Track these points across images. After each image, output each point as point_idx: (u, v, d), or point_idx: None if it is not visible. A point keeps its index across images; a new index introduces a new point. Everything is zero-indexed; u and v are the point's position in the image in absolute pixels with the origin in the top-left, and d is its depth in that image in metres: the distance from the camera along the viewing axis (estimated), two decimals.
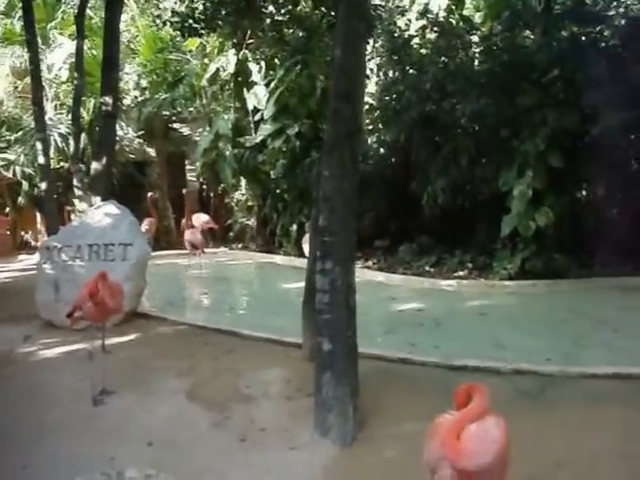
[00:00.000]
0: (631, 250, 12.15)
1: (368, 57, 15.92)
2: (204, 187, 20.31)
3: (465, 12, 16.88)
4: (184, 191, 15.43)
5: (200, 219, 15.86)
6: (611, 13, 13.84)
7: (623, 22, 13.44)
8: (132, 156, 19.08)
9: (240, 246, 17.40)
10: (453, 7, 16.66)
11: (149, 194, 15.27)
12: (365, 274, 12.56)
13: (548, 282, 11.28)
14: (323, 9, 12.98)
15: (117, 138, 16.36)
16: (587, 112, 11.45)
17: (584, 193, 14.17)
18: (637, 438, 4.77)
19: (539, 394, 5.65)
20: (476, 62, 14.54)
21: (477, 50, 14.57)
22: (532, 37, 13.63)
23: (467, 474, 2.78)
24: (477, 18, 16.19)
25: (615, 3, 14.05)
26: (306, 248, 11.51)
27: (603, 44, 12.82)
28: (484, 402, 2.93)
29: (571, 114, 11.46)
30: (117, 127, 15.37)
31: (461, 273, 12.37)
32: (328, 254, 4.89)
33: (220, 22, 12.94)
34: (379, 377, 5.99)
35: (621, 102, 10.95)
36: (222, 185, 17.73)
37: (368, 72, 16.20)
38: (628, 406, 5.33)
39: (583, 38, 12.78)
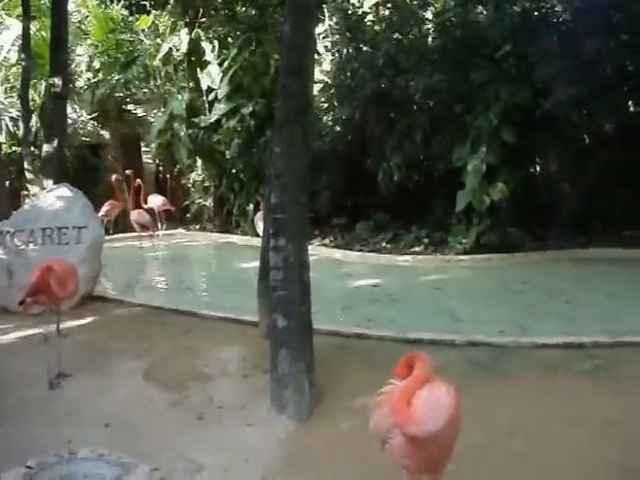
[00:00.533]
0: (583, 223, 12.40)
1: (323, 35, 15.89)
2: (160, 168, 20.11)
3: None
4: (127, 172, 15.20)
5: (155, 201, 15.73)
6: None
7: None
8: (86, 139, 18.78)
9: (197, 227, 17.28)
10: None
11: (113, 176, 14.96)
12: (322, 252, 12.60)
13: (503, 256, 11.42)
14: None
15: (70, 121, 16.12)
16: (539, 87, 11.56)
17: (537, 167, 14.33)
18: (585, 404, 4.92)
19: (493, 365, 5.76)
20: (430, 38, 14.57)
21: (430, 26, 14.61)
22: (485, 13, 13.67)
23: (417, 441, 2.81)
24: None
25: None
26: (259, 226, 11.49)
27: (555, 19, 12.93)
28: (426, 368, 2.94)
29: (524, 89, 11.56)
30: (70, 109, 15.11)
31: (417, 249, 12.45)
32: (280, 231, 4.91)
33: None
34: (335, 352, 6.04)
35: (572, 77, 11.07)
36: (178, 166, 17.55)
37: (322, 50, 16.17)
38: (578, 374, 5.48)
39: (535, 13, 12.86)
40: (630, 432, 4.43)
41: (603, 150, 13.06)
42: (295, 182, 4.92)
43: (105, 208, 14.76)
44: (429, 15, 14.80)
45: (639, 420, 4.63)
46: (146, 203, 15.25)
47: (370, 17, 15.73)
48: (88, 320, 7.81)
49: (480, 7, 13.86)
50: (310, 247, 12.28)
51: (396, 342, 6.38)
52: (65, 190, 9.20)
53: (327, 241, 13.75)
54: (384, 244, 12.93)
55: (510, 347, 6.16)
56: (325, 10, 14.93)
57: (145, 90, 18.86)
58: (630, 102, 13.37)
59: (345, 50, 15.54)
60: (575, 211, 12.65)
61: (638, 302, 8.60)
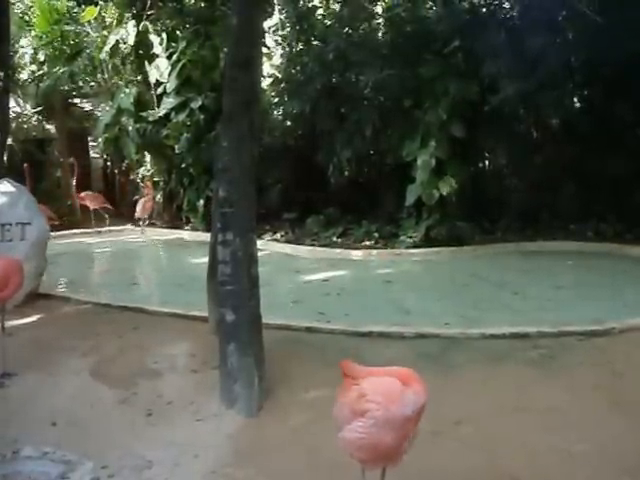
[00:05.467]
0: (531, 216, 12.62)
1: (273, 29, 15.82)
2: (108, 164, 19.81)
3: None
4: (71, 160, 15.03)
5: (92, 198, 15.58)
6: None
7: None
8: (32, 133, 18.38)
9: (147, 223, 17.09)
10: None
11: (25, 165, 14.54)
12: (273, 246, 12.59)
13: (452, 249, 11.59)
14: None
15: (14, 114, 15.74)
16: (487, 82, 11.71)
17: (486, 162, 14.54)
18: (531, 393, 5.01)
19: (441, 356, 5.82)
20: (380, 33, 14.63)
21: (380, 21, 14.67)
22: (434, 8, 13.76)
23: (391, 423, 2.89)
24: None
25: None
26: None
27: (502, 16, 13.11)
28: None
29: (472, 84, 11.72)
30: (13, 103, 14.73)
31: (368, 243, 12.51)
32: (228, 225, 4.87)
33: None
34: (286, 346, 6.03)
35: (519, 73, 11.26)
36: (126, 161, 17.30)
37: (272, 44, 16.11)
38: (524, 364, 5.60)
39: (483, 10, 13.02)
40: (573, 418, 4.55)
41: (550, 145, 13.34)
42: (243, 176, 4.89)
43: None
44: (379, 10, 14.85)
45: (582, 407, 4.75)
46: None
47: (320, 11, 15.72)
48: (33, 318, 7.64)
49: (429, 3, 13.96)
50: (260, 242, 12.25)
51: (346, 335, 6.42)
52: (8, 186, 8.95)
53: (278, 236, 13.70)
54: (335, 238, 12.95)
55: (458, 338, 6.25)
56: (275, 3, 14.89)
57: (92, 83, 18.48)
58: (575, 98, 13.65)
59: (295, 44, 15.51)
60: (523, 204, 12.88)
61: (583, 293, 8.86)
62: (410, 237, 11.94)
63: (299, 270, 10.98)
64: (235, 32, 5.05)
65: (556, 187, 12.89)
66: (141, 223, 15.56)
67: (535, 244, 11.91)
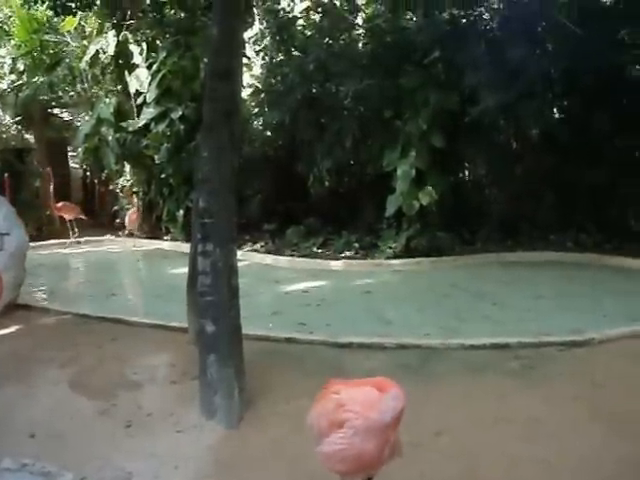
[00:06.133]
0: (511, 226, 12.70)
1: (253, 39, 15.82)
2: (88, 174, 19.72)
3: None
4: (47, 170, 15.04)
5: (68, 209, 15.52)
6: None
7: (501, 6, 13.85)
8: (11, 143, 18.26)
9: (127, 233, 17.00)
10: None
11: (4, 175, 14.42)
12: (253, 257, 12.57)
13: (432, 259, 11.63)
14: None
15: None
16: (467, 93, 11.78)
17: (466, 172, 14.60)
18: (511, 404, 5.01)
19: (422, 367, 5.81)
20: (360, 44, 14.68)
21: (361, 32, 14.72)
22: (414, 19, 13.84)
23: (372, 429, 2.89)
24: None
25: None
26: None
27: (482, 27, 13.20)
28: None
29: (452, 95, 11.80)
30: None
31: (348, 253, 12.51)
32: (208, 236, 4.85)
33: (96, 0, 12.44)
34: (266, 357, 6.01)
35: (499, 84, 11.34)
36: (106, 171, 17.20)
37: (253, 54, 16.10)
38: (504, 374, 5.60)
39: (463, 21, 13.10)
40: (553, 429, 4.55)
41: (530, 155, 13.43)
42: (223, 186, 4.87)
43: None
44: (359, 21, 14.91)
45: (561, 417, 4.76)
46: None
47: (301, 22, 15.75)
48: (12, 329, 7.58)
49: (410, 13, 14.02)
50: (240, 252, 12.27)
51: (327, 346, 6.41)
52: None
53: (258, 246, 13.65)
54: (315, 249, 12.96)
55: (439, 349, 6.25)
56: (256, 13, 14.91)
57: (72, 93, 18.40)
58: (555, 109, 13.76)
59: (275, 54, 15.52)
60: (503, 215, 12.94)
61: (563, 303, 8.90)
62: (390, 248, 11.96)
63: (279, 281, 10.97)
64: (215, 43, 5.05)
65: (536, 197, 12.99)
66: (132, 233, 15.54)
67: (515, 254, 11.98)
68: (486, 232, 12.83)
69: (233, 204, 5.05)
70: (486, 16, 13.39)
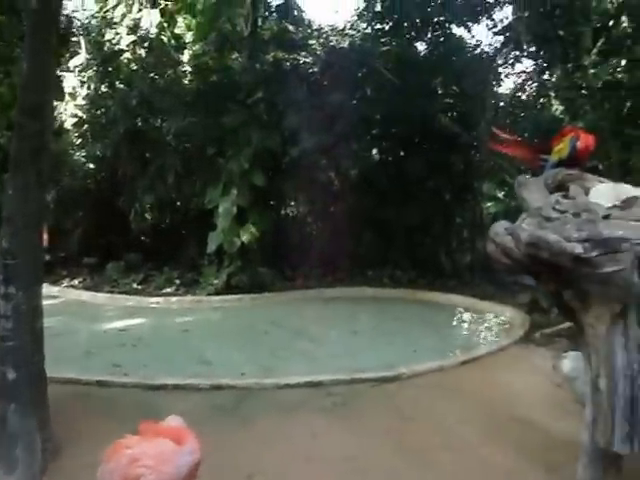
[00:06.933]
0: (331, 263, 13.04)
1: (79, 68, 15.34)
2: None
3: (177, 30, 16.83)
4: None
5: None
6: (312, 42, 14.71)
7: (323, 51, 14.34)
8: None
9: None
10: (165, 24, 16.53)
11: None
12: (69, 293, 12.04)
13: (253, 296, 11.68)
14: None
15: None
16: (289, 133, 12.06)
17: (289, 210, 14.88)
18: (323, 442, 5.12)
19: (236, 408, 5.81)
20: (186, 80, 14.63)
21: (187, 68, 14.69)
22: (240, 59, 14.01)
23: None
24: (189, 37, 16.24)
25: (316, 33, 14.97)
26: None
27: (304, 71, 13.58)
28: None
29: (274, 135, 12.05)
30: None
31: (169, 290, 12.34)
32: (11, 278, 4.59)
33: None
34: (75, 402, 5.77)
35: (319, 126, 11.72)
36: None
37: (77, 84, 15.59)
38: (317, 412, 5.71)
39: (287, 63, 13.42)
40: (363, 465, 4.69)
41: (350, 194, 13.90)
42: (27, 226, 4.65)
43: None
44: (186, 57, 14.87)
45: (372, 453, 4.91)
46: None
47: (127, 55, 15.47)
48: None
49: (235, 53, 14.19)
50: (57, 289, 11.76)
51: (140, 389, 6.24)
52: None
53: (76, 282, 13.11)
54: (135, 285, 12.64)
55: (254, 389, 6.28)
56: (82, 43, 14.50)
57: None
58: (374, 151, 14.39)
59: (99, 86, 15.13)
60: (324, 251, 13.28)
61: (378, 339, 9.21)
62: (211, 284, 11.93)
63: (95, 319, 10.55)
64: (25, 78, 4.85)
65: (355, 235, 13.47)
66: None
67: (335, 290, 12.30)
68: (307, 268, 13.10)
69: (38, 245, 4.82)
70: (309, 60, 13.79)
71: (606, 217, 3.48)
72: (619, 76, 9.75)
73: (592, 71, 9.80)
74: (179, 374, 6.76)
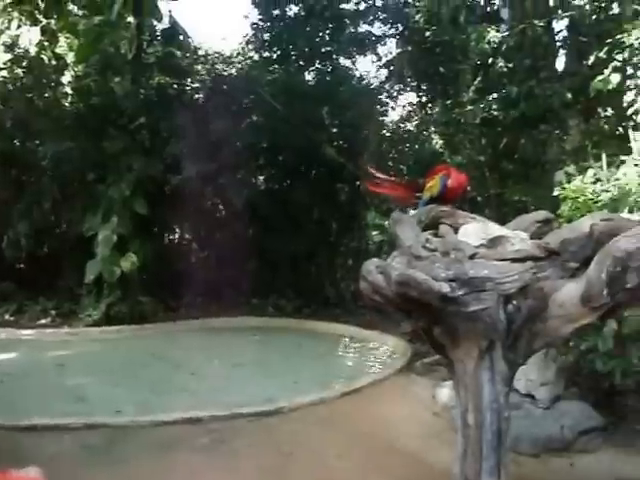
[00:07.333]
0: (214, 292, 12.87)
1: None
2: None
3: (59, 50, 16.30)
4: None
5: None
6: (198, 68, 14.63)
7: (209, 78, 14.28)
8: None
9: None
10: (46, 43, 15.98)
11: None
12: None
13: (133, 327, 11.32)
14: None
15: None
16: (172, 160, 11.89)
17: (172, 237, 14.62)
18: None
19: (110, 448, 5.57)
20: (66, 103, 14.19)
21: (67, 90, 14.25)
22: (122, 83, 13.71)
23: None
24: (71, 58, 15.76)
25: (203, 59, 14.90)
26: None
27: (190, 97, 13.47)
28: None
29: (157, 162, 11.90)
30: None
31: (44, 321, 11.81)
32: None
33: None
34: None
35: (202, 154, 11.62)
36: None
37: None
38: (194, 450, 5.55)
39: (172, 89, 13.26)
40: None
41: (235, 223, 13.80)
42: None
43: None
44: (67, 79, 14.43)
45: None
46: None
47: (4, 73, 14.86)
48: None
49: (118, 77, 13.88)
50: None
51: (6, 430, 5.86)
52: None
53: None
54: (7, 316, 12.02)
55: (129, 427, 6.04)
56: None
57: None
58: (260, 179, 14.38)
59: None
60: (208, 280, 13.07)
61: (260, 370, 9.10)
62: (90, 315, 11.50)
63: None
64: None
65: (241, 263, 13.33)
66: None
67: (218, 320, 12.08)
68: (191, 298, 12.88)
69: None
70: (195, 86, 13.69)
71: (473, 256, 3.58)
72: (495, 113, 10.11)
73: (470, 107, 10.11)
74: (50, 413, 6.42)
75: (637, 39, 7.55)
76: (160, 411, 6.62)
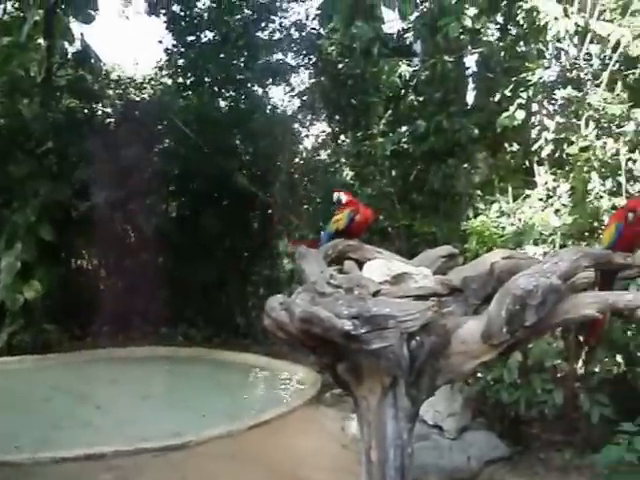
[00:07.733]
0: (122, 320, 12.61)
1: None
2: None
3: None
4: None
5: None
6: (109, 93, 14.43)
7: (120, 103, 14.09)
8: None
9: None
10: None
11: None
12: None
13: (36, 357, 10.91)
14: None
15: None
16: (81, 186, 11.66)
17: (79, 264, 14.27)
18: None
19: None
20: None
21: None
22: (30, 106, 13.39)
23: None
24: None
25: (114, 84, 14.71)
26: None
27: (100, 122, 13.26)
28: None
29: (65, 187, 11.65)
30: None
31: None
32: None
33: None
34: None
35: (111, 180, 11.46)
36: None
37: None
38: None
39: (82, 113, 13.03)
40: None
41: (145, 250, 13.59)
42: None
43: None
44: None
45: None
46: None
47: None
48: None
49: (27, 99, 13.55)
50: None
51: None
52: None
53: None
54: None
55: (27, 465, 5.83)
56: None
57: None
58: (169, 207, 14.22)
59: None
60: (116, 309, 12.78)
61: (168, 403, 8.99)
62: None
63: None
64: None
65: (149, 291, 13.07)
66: None
67: (126, 350, 11.79)
68: (98, 326, 12.56)
69: None
70: (106, 111, 13.50)
71: (376, 293, 3.62)
72: (405, 146, 10.31)
73: (381, 140, 10.27)
74: None
75: (540, 78, 7.85)
76: (61, 447, 6.43)
